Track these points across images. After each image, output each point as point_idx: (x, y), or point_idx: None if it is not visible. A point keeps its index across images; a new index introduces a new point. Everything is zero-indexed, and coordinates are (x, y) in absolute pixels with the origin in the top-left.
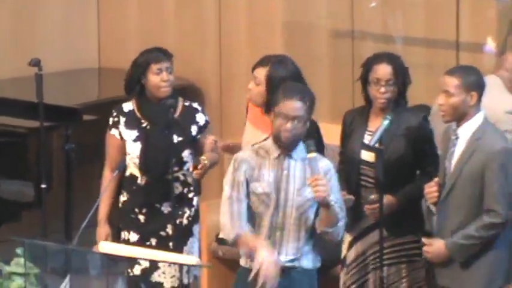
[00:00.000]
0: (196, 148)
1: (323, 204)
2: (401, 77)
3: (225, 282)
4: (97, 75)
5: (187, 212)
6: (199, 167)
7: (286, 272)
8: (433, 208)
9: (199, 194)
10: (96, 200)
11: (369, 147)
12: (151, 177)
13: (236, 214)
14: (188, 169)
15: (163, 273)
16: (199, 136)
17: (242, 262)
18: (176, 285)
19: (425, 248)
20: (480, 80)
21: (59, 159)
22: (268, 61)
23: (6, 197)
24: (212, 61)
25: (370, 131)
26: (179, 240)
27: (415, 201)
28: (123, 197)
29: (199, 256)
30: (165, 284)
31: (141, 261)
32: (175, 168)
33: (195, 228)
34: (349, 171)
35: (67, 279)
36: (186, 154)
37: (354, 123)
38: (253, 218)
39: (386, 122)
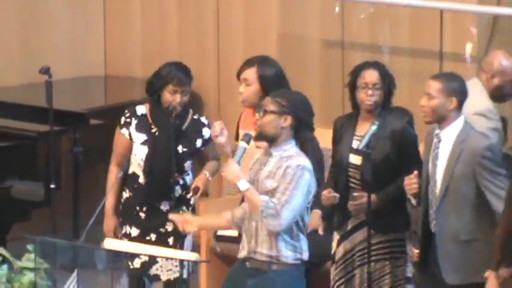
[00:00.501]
0: (200, 158)
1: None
2: (387, 83)
3: (222, 276)
4: (103, 82)
5: (186, 211)
6: (198, 193)
7: (261, 270)
8: (413, 200)
9: (207, 195)
10: (101, 199)
11: (358, 151)
12: (152, 180)
13: None
14: (188, 174)
15: (161, 266)
16: (203, 148)
17: (241, 255)
18: (172, 278)
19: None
20: (462, 87)
21: (67, 161)
22: (253, 62)
23: (17, 197)
24: (211, 69)
25: (358, 136)
26: (178, 237)
27: (397, 200)
28: (126, 194)
29: (194, 251)
30: (161, 277)
31: (141, 256)
32: (176, 174)
33: None
34: (338, 173)
35: (74, 274)
36: (187, 164)
37: (342, 128)
38: None
39: (374, 127)
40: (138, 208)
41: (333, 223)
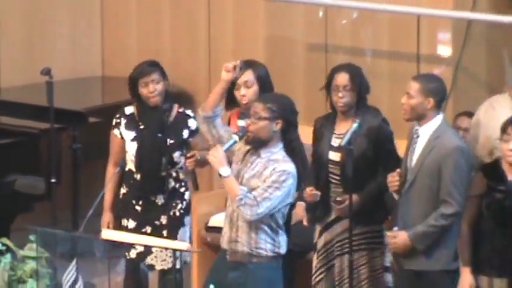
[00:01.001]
0: (190, 150)
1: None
2: (358, 84)
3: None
4: (101, 82)
5: (180, 205)
6: (188, 155)
7: (241, 263)
8: (395, 195)
9: (197, 189)
10: (99, 192)
11: (339, 148)
12: (145, 173)
13: None
14: (181, 167)
15: (156, 257)
16: (190, 139)
17: (223, 244)
18: (166, 268)
19: (390, 241)
20: (439, 88)
21: (67, 157)
22: (247, 65)
23: (20, 190)
24: (203, 70)
25: (337, 134)
26: (172, 229)
27: (377, 196)
28: (123, 190)
29: (190, 243)
30: (156, 266)
31: (137, 246)
32: (168, 167)
33: (187, 219)
34: (318, 169)
35: (74, 263)
36: (177, 155)
37: (322, 127)
38: None
39: (355, 125)
40: (134, 202)
41: (316, 215)
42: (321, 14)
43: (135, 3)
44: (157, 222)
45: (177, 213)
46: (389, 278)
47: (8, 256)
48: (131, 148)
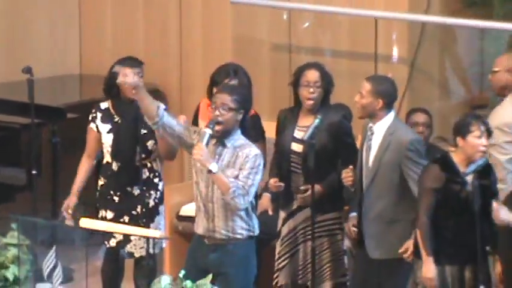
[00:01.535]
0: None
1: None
2: (326, 81)
3: (183, 251)
4: (78, 80)
5: (154, 195)
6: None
7: (220, 245)
8: (350, 188)
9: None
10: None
11: (302, 142)
12: (121, 162)
13: None
14: (155, 159)
15: (134, 245)
16: None
17: (198, 230)
18: (144, 254)
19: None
20: (389, 91)
21: (47, 150)
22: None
23: (2, 181)
24: (174, 69)
25: (300, 127)
26: (148, 218)
27: (337, 186)
28: (101, 181)
29: (165, 231)
30: (135, 254)
31: (116, 235)
32: (143, 156)
33: (161, 208)
34: (281, 159)
35: (53, 250)
36: (150, 144)
37: (286, 120)
38: None
39: (317, 121)
40: (112, 193)
41: (279, 203)
42: (285, 16)
43: (111, 6)
44: (134, 212)
45: (152, 203)
46: (346, 260)
47: None
48: (107, 139)
